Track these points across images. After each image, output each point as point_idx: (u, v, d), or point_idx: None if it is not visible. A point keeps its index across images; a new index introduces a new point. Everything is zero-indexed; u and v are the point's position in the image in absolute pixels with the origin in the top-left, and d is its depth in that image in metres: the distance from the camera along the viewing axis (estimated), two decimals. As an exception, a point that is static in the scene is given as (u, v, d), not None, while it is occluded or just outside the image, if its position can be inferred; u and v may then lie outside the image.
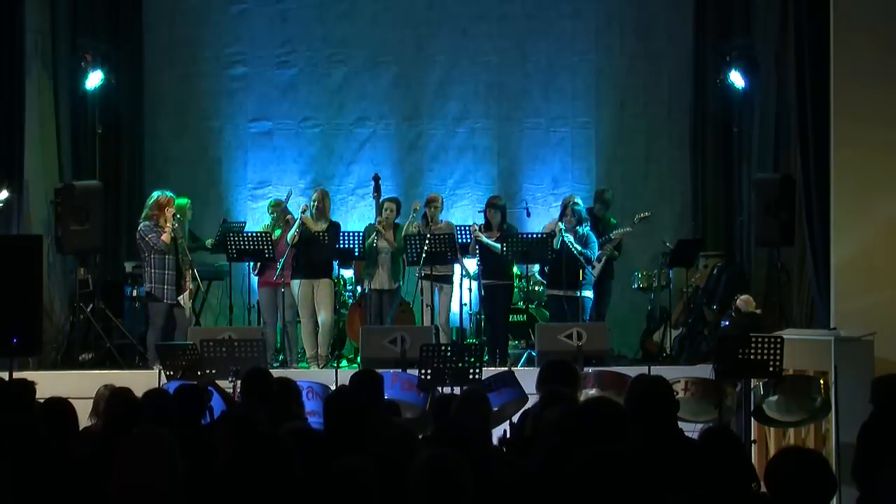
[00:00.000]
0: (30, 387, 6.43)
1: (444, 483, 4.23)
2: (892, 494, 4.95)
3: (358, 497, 4.21)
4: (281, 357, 11.97)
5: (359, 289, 12.64)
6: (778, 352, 8.58)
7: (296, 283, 11.79)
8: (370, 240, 11.83)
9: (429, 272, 11.72)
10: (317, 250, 11.70)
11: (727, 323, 11.57)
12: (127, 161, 13.60)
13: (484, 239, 11.82)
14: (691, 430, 7.43)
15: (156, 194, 11.56)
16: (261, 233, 11.85)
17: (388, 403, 7.20)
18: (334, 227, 11.94)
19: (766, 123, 12.82)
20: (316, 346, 11.81)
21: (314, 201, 11.99)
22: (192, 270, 11.68)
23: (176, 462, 4.47)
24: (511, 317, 12.35)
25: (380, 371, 7.24)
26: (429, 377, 8.74)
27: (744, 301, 11.28)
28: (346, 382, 6.93)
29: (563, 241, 11.51)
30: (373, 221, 12.16)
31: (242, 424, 5.34)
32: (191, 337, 10.12)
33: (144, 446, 4.48)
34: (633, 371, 8.84)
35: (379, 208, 12.14)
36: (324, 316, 11.79)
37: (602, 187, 13.05)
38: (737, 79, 12.89)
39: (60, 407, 5.73)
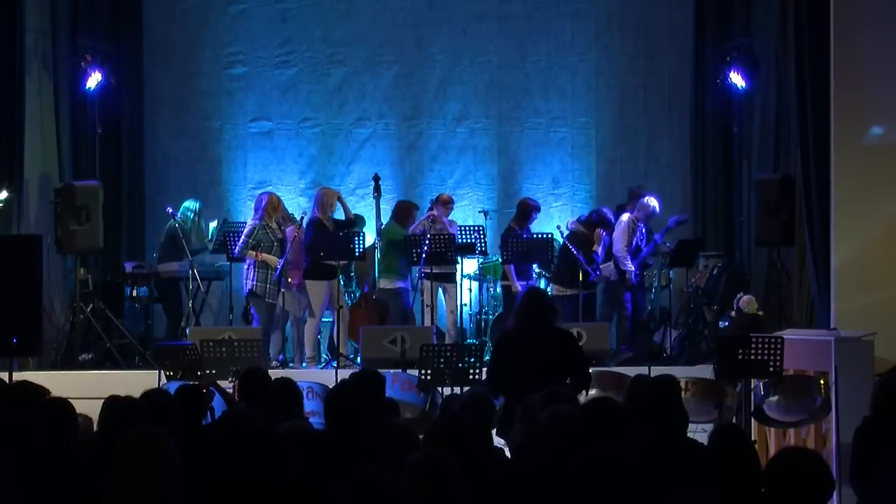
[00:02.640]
0: (40, 392, 6.27)
1: (434, 483, 4.22)
2: (891, 498, 4.95)
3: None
4: (282, 357, 11.96)
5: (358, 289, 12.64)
6: (778, 352, 8.58)
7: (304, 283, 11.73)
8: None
9: (429, 271, 11.72)
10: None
11: (727, 323, 11.56)
12: (127, 161, 13.58)
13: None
14: (691, 430, 7.43)
15: (264, 195, 11.65)
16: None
17: (388, 403, 7.19)
18: None
19: (766, 123, 12.81)
20: (318, 346, 11.79)
21: (333, 198, 11.97)
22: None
23: (175, 462, 4.47)
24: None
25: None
26: (429, 377, 8.76)
27: (746, 301, 11.26)
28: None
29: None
30: (373, 220, 12.06)
31: (242, 424, 5.33)
32: (191, 337, 10.12)
33: (143, 446, 4.48)
34: (632, 371, 8.84)
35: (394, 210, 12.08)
36: (336, 315, 11.73)
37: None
38: (737, 79, 12.87)
39: (60, 407, 5.71)
